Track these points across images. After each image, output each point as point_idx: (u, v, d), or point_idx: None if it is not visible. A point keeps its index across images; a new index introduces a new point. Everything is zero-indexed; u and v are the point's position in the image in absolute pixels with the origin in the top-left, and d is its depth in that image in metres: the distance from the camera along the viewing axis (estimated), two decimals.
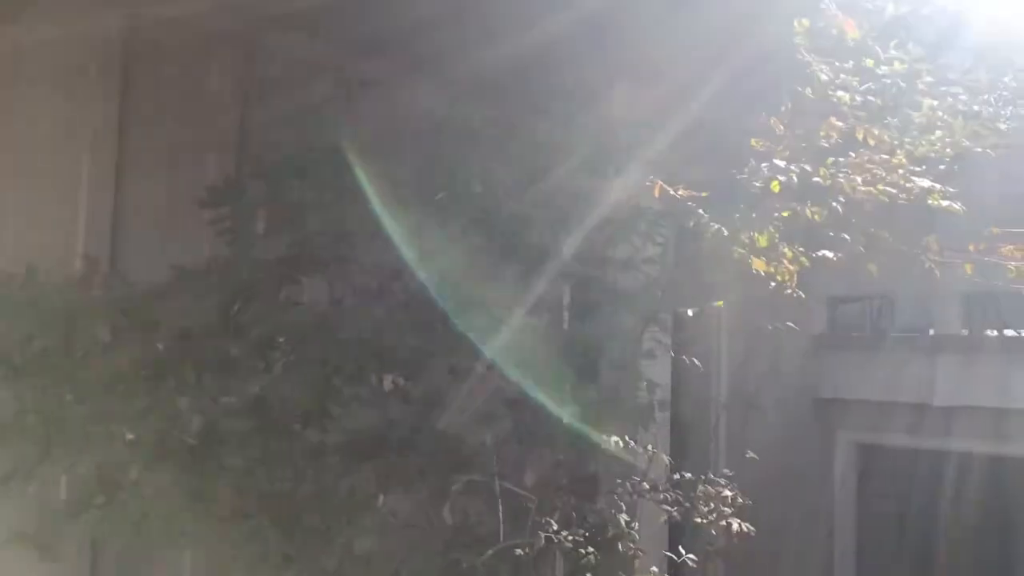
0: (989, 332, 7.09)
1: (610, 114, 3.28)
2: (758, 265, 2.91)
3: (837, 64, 3.45)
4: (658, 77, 3.60)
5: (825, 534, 7.56)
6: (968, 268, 3.48)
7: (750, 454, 7.12)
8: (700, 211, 2.91)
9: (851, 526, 7.66)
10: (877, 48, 3.47)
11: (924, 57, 3.38)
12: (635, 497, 3.55)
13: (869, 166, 3.29)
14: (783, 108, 3.20)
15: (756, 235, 2.99)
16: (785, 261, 3.04)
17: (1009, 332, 7.20)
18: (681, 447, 6.43)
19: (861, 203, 3.35)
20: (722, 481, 4.10)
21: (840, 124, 3.31)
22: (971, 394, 6.80)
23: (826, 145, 3.18)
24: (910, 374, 7.05)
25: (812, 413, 7.51)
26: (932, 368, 6.94)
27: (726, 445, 6.74)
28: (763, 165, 3.10)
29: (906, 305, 7.49)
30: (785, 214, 3.00)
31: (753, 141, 3.19)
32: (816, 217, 3.14)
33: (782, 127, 3.20)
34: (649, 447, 3.89)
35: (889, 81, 3.50)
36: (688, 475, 4.06)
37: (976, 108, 3.43)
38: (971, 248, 3.39)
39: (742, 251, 2.95)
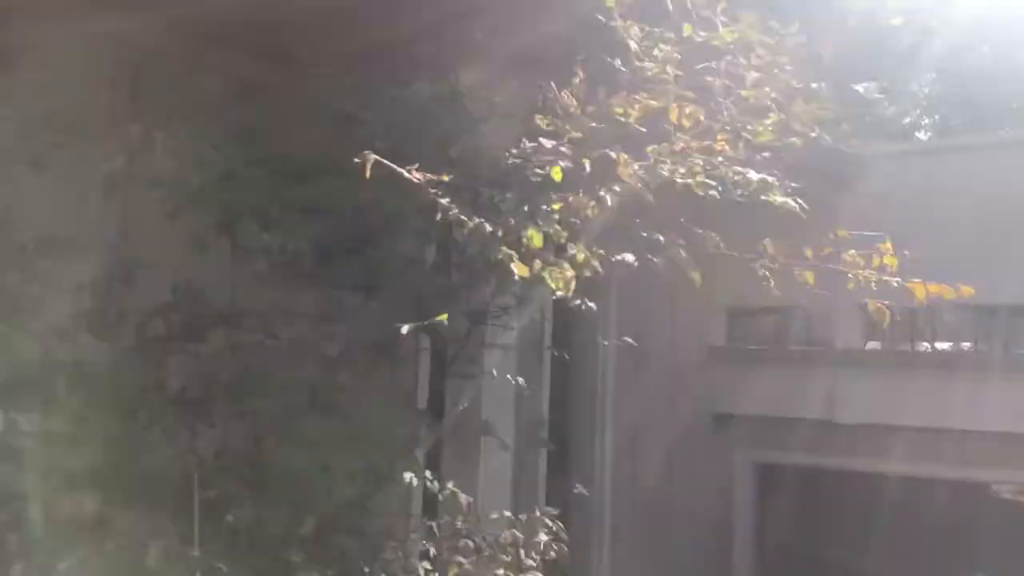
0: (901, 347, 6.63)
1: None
2: (520, 270, 2.32)
3: (657, 31, 2.88)
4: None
5: (723, 556, 7.04)
6: (809, 277, 2.93)
7: (647, 472, 6.59)
8: (446, 201, 2.30)
9: (751, 548, 7.14)
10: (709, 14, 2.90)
11: (756, 24, 2.81)
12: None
13: (688, 153, 2.73)
14: (577, 79, 2.61)
15: (530, 233, 2.40)
16: (567, 266, 2.45)
17: (923, 346, 6.75)
18: (562, 469, 5.88)
19: (681, 196, 2.79)
20: (547, 521, 3.53)
21: (653, 102, 2.74)
22: (874, 411, 6.31)
23: (625, 123, 2.60)
24: (811, 389, 6.55)
25: (711, 429, 6.98)
26: (833, 383, 6.44)
27: (613, 466, 6.20)
28: (547, 145, 2.51)
29: (815, 318, 7.00)
30: (558, 206, 2.40)
31: (539, 119, 2.61)
32: (615, 212, 2.57)
33: (575, 103, 2.62)
34: (450, 485, 3.30)
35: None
36: (508, 514, 3.51)
37: (815, 86, 2.87)
38: (808, 254, 2.83)
39: (508, 251, 2.35)
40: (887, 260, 2.73)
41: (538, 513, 3.51)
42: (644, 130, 2.70)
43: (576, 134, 2.57)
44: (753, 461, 7.14)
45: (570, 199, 2.38)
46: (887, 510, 6.52)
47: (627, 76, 2.79)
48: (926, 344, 6.78)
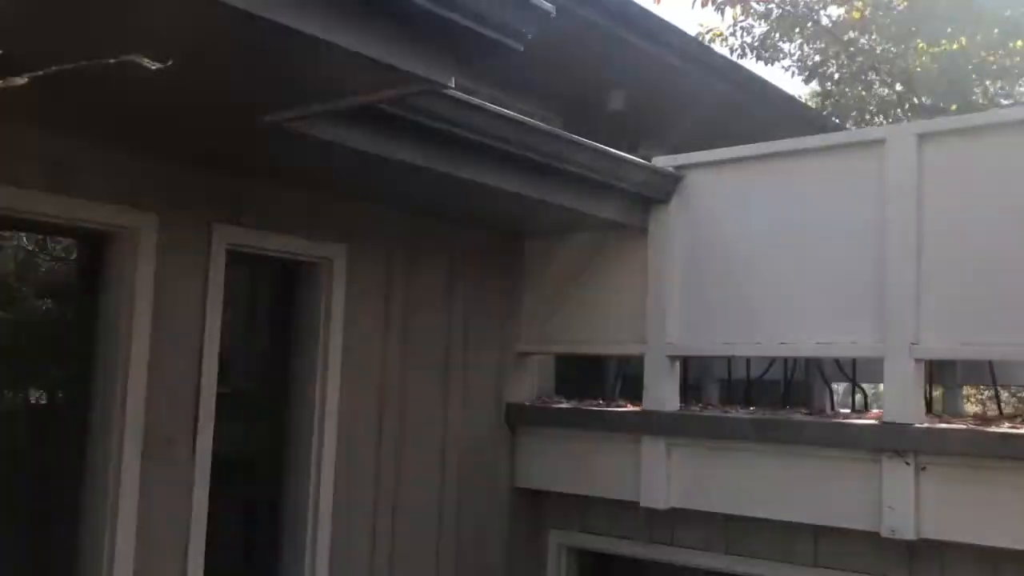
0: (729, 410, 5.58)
1: None
2: None
3: None
4: None
5: None
6: None
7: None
8: None
9: None
10: None
11: None
12: None
13: None
14: None
15: None
16: None
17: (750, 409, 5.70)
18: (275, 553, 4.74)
19: None
20: None
21: None
22: (697, 495, 5.23)
23: None
24: (619, 464, 5.48)
25: (513, 506, 5.86)
26: (637, 457, 5.37)
27: (371, 544, 5.04)
28: None
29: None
30: None
31: None
32: None
33: None
34: None
35: None
36: None
37: None
38: None
39: None
40: None
41: None
42: None
43: None
44: (569, 546, 6.03)
45: None
46: None
47: None
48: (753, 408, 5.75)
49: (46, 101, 3.24)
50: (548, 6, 2.81)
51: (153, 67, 1.87)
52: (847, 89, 14.52)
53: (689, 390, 6.78)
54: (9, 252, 4.14)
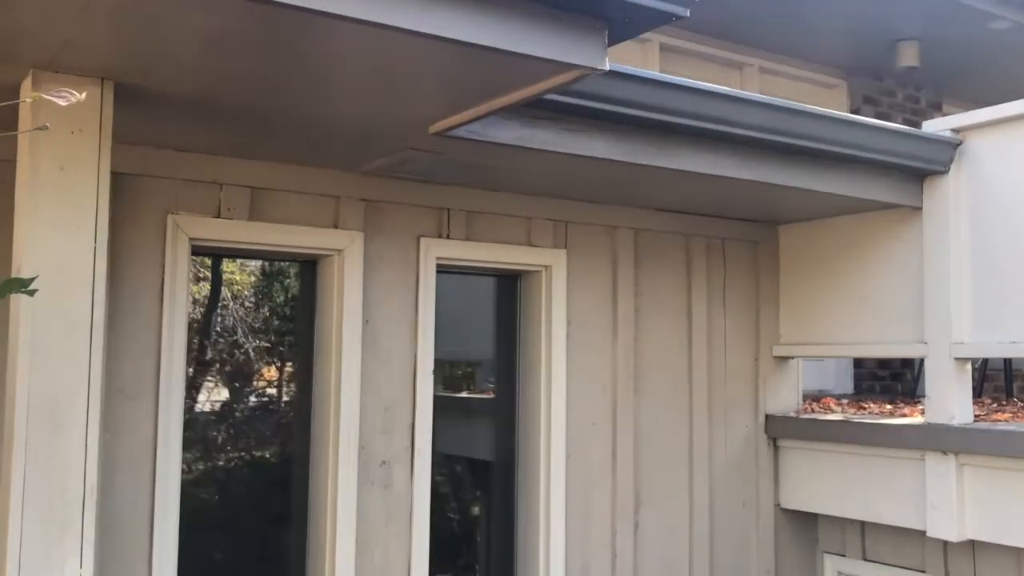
0: None
1: None
2: None
3: None
4: None
5: None
6: None
7: None
8: None
9: None
10: None
11: None
12: None
13: None
14: None
15: None
16: None
17: None
18: None
19: None
20: None
21: None
22: (998, 527, 4.32)
23: None
24: (900, 486, 4.65)
25: (779, 528, 5.23)
26: (921, 479, 4.50)
27: None
28: None
29: None
30: None
31: None
32: None
33: None
34: None
35: None
36: None
37: None
38: None
39: None
40: None
41: None
42: None
43: None
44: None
45: None
46: None
47: None
48: None
49: (253, 140, 3.31)
50: None
51: None
52: None
53: None
54: (237, 280, 4.30)
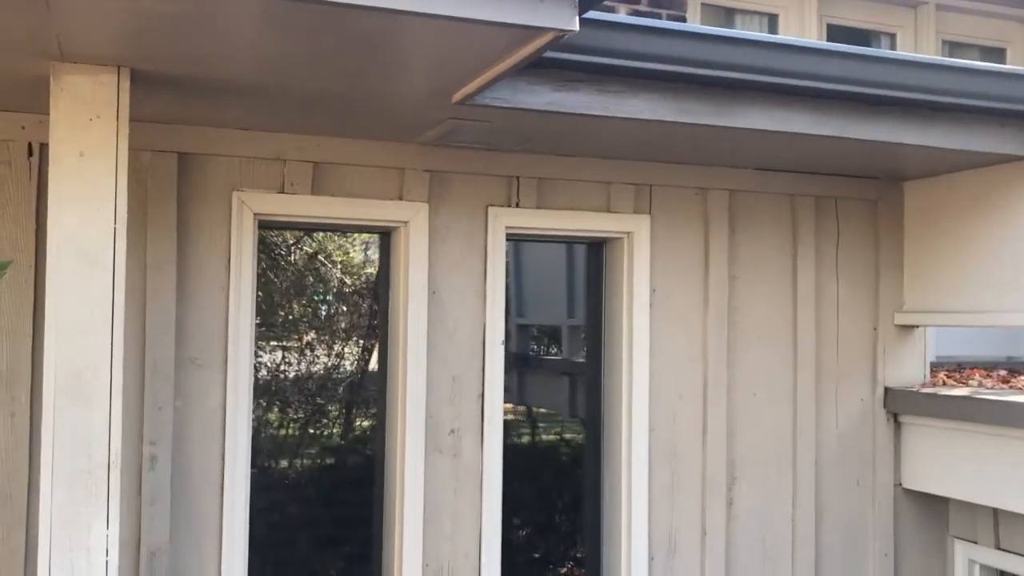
0: None
1: None
2: None
3: None
4: None
5: None
6: None
7: None
8: None
9: None
10: None
11: None
12: None
13: None
14: None
15: None
16: None
17: None
18: None
19: None
20: None
21: None
22: None
23: None
24: None
25: (900, 512, 4.83)
26: None
27: None
28: None
29: None
30: None
31: None
32: None
33: None
34: None
35: None
36: None
37: None
38: None
39: None
40: None
41: None
42: None
43: None
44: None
45: None
46: None
47: None
48: None
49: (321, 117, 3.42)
50: None
51: None
52: None
53: None
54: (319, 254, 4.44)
